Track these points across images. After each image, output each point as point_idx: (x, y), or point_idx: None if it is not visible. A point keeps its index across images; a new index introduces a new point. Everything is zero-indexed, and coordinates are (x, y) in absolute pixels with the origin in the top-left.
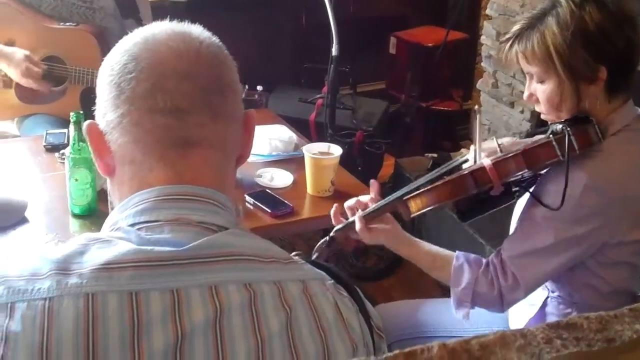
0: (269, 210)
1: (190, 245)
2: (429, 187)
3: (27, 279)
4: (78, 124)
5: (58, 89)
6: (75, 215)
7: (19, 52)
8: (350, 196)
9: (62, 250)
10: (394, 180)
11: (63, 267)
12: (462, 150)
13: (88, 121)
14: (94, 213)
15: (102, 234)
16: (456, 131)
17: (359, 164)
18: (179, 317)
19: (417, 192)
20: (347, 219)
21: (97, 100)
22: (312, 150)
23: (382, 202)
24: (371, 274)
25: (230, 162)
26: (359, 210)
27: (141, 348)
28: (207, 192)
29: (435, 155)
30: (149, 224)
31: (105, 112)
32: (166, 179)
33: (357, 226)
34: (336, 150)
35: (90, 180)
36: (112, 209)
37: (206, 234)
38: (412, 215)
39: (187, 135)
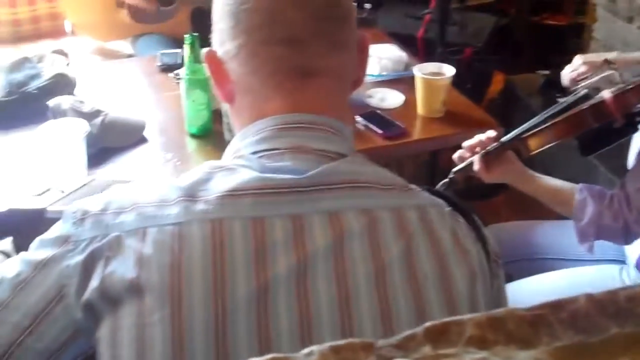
0: (380, 131)
1: (311, 172)
2: (548, 124)
3: (156, 205)
4: (193, 46)
5: (168, 9)
6: (191, 135)
7: None
8: (461, 117)
9: (188, 178)
10: (504, 97)
11: (190, 194)
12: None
13: (207, 49)
14: (209, 133)
15: (225, 162)
16: (568, 46)
17: (468, 81)
18: (301, 242)
19: (536, 129)
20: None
21: (214, 27)
22: (423, 70)
23: (501, 140)
24: (479, 192)
25: (346, 88)
26: (478, 149)
27: (266, 271)
28: (325, 119)
29: (547, 72)
30: (269, 152)
31: (223, 41)
32: (284, 108)
33: (476, 166)
34: (448, 71)
35: (206, 101)
36: (228, 130)
37: (325, 162)
38: (532, 153)
39: (305, 65)
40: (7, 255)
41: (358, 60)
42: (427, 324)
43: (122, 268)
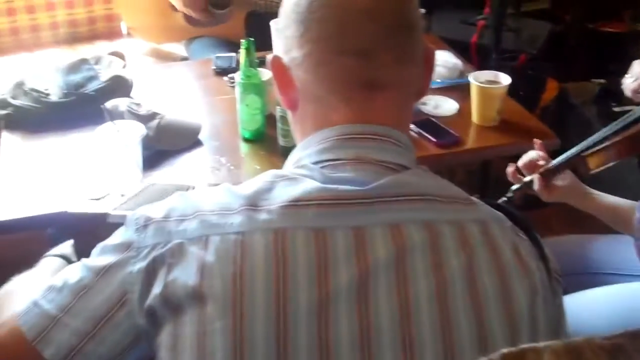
0: (434, 140)
1: (374, 184)
2: (608, 143)
3: (219, 213)
4: (248, 51)
5: (223, 12)
6: (245, 139)
7: None
8: (516, 126)
9: (250, 187)
10: (558, 105)
11: (252, 203)
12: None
13: (272, 55)
14: (262, 137)
15: (286, 171)
16: (625, 55)
17: (521, 88)
18: (363, 254)
19: (596, 148)
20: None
21: (281, 34)
22: (479, 78)
23: (560, 159)
24: (530, 202)
25: (411, 100)
26: (536, 168)
27: (327, 281)
28: (388, 131)
29: (603, 81)
30: (332, 162)
31: (290, 49)
32: (348, 119)
33: (536, 186)
34: (504, 80)
35: (260, 106)
36: (282, 135)
37: (387, 173)
38: (591, 172)
39: (373, 77)
40: (67, 259)
41: (424, 72)
42: (504, 350)
43: (185, 275)
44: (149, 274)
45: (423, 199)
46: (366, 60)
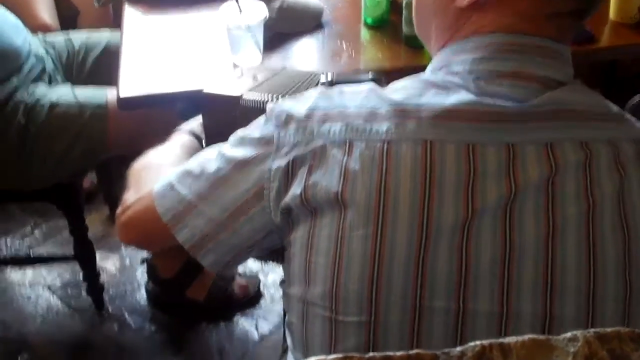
0: None
1: (530, 102)
2: None
3: (365, 117)
4: None
5: None
6: (367, 25)
7: None
8: None
9: (398, 92)
10: None
11: (401, 110)
12: None
13: None
14: (386, 24)
15: (437, 77)
16: None
17: None
18: (513, 172)
19: None
20: None
21: None
22: None
23: None
24: None
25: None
26: None
27: (475, 198)
28: (549, 43)
29: None
30: (487, 74)
31: None
32: (508, 26)
33: None
34: None
35: None
36: (407, 24)
37: (545, 91)
38: None
39: None
40: (197, 136)
41: None
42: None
43: (326, 179)
44: (288, 172)
45: (579, 117)
46: None
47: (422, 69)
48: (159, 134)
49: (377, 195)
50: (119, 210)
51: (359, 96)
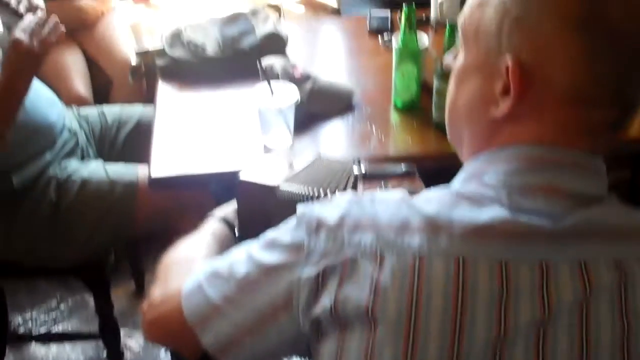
0: None
1: (565, 221)
2: None
3: (396, 230)
4: (408, 17)
5: None
6: (397, 108)
7: None
8: None
9: (430, 203)
10: None
11: (433, 224)
12: None
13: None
14: (415, 107)
15: (470, 189)
16: None
17: None
18: (547, 292)
19: None
20: None
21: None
22: None
23: None
24: None
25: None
26: None
27: (507, 318)
28: (584, 156)
29: None
30: (521, 187)
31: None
32: (544, 138)
33: None
34: None
35: (416, 75)
36: (437, 109)
37: (580, 206)
38: None
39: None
40: (229, 223)
41: None
42: None
43: (356, 292)
44: (318, 282)
45: (613, 236)
46: None
47: (451, 155)
48: (190, 213)
49: (408, 312)
50: (145, 305)
51: (390, 205)
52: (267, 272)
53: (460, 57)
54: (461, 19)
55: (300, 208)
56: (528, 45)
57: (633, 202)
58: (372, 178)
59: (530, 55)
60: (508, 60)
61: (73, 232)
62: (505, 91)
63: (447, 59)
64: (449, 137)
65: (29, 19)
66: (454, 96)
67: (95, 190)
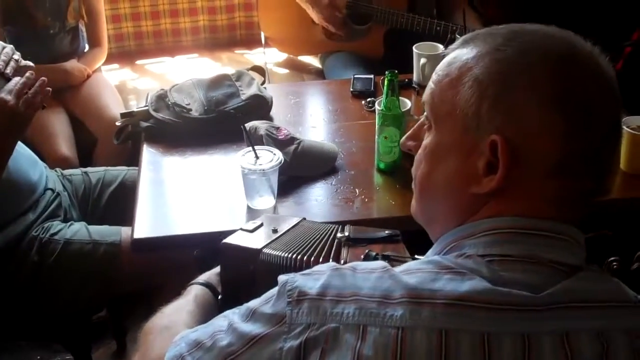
0: None
1: (547, 291)
2: None
3: (378, 301)
4: (391, 82)
5: (362, 28)
6: (379, 170)
7: None
8: None
9: (411, 275)
10: None
11: (415, 295)
12: None
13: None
14: (398, 170)
15: (450, 261)
16: None
17: None
18: None
19: None
20: None
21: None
22: (629, 123)
23: None
24: None
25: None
26: None
27: None
28: (563, 227)
29: None
30: (501, 258)
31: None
32: (525, 211)
33: None
34: None
35: (398, 138)
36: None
37: (560, 276)
38: None
39: None
40: (212, 287)
41: None
42: None
43: None
44: (300, 354)
45: (595, 305)
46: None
47: None
48: (173, 274)
49: None
50: None
51: (372, 276)
52: (249, 342)
53: (432, 135)
54: (429, 97)
55: (282, 278)
56: (511, 124)
57: (614, 256)
58: (355, 242)
59: (515, 134)
60: (496, 139)
61: (55, 293)
62: (490, 168)
63: (406, 142)
64: (417, 211)
65: (15, 80)
66: (427, 173)
67: (78, 250)
